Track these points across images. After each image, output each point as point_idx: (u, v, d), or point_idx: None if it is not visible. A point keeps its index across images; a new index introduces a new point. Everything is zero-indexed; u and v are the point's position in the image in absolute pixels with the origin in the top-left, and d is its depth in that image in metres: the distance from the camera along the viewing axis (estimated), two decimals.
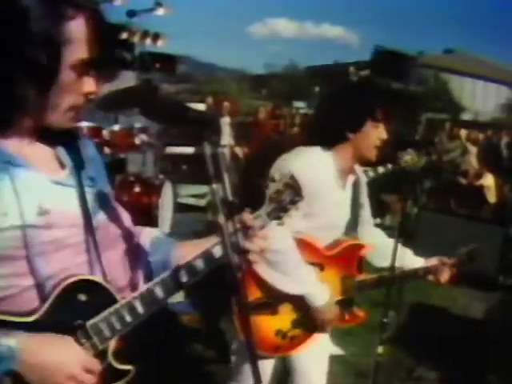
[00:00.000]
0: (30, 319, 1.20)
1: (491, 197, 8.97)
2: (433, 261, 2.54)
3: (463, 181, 9.46)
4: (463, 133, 10.70)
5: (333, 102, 2.39)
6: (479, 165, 9.63)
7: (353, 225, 2.46)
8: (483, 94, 41.61)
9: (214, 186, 1.16)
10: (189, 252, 1.44)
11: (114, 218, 1.45)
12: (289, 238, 2.17)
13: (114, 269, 1.44)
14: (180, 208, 7.04)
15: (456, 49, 42.89)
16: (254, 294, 2.22)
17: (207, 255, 1.39)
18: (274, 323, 2.25)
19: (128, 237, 1.52)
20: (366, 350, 3.69)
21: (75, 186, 1.32)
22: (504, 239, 6.12)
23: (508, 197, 8.87)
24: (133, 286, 1.47)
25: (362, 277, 2.39)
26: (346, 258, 2.35)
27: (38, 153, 1.27)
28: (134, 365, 1.35)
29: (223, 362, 2.58)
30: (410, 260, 2.51)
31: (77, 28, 1.16)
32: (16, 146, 1.21)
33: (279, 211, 1.51)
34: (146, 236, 1.54)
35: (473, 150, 10.09)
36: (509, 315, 5.09)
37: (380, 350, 2.36)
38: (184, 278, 1.37)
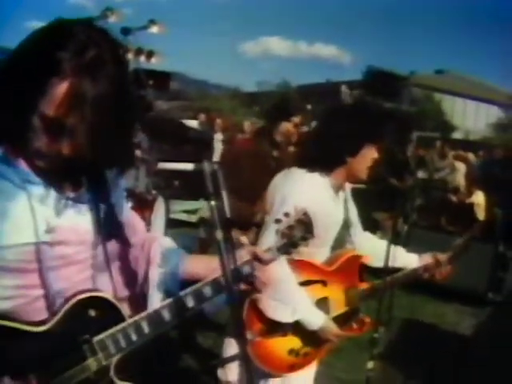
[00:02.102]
0: (40, 329, 1.23)
1: (481, 214, 9.02)
2: (427, 257, 2.57)
3: (454, 198, 9.52)
4: (453, 151, 10.80)
5: (331, 127, 2.39)
6: (467, 182, 9.70)
7: (347, 236, 2.50)
8: (474, 113, 41.99)
9: (212, 203, 1.18)
10: (197, 266, 1.51)
11: (126, 233, 1.47)
12: (286, 266, 2.18)
13: (121, 279, 1.47)
14: (171, 223, 7.05)
15: (447, 69, 43.37)
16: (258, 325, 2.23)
17: (216, 283, 1.42)
18: (286, 344, 2.27)
19: (137, 250, 1.54)
20: (355, 366, 3.70)
21: (89, 202, 1.34)
22: (494, 256, 6.18)
23: (498, 214, 8.92)
24: (139, 297, 1.50)
25: (364, 285, 2.42)
26: (346, 270, 2.39)
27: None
28: (134, 381, 1.37)
29: (211, 374, 2.58)
30: (405, 258, 2.54)
31: (57, 88, 1.15)
32: (34, 164, 1.23)
33: (289, 247, 1.54)
34: (158, 246, 1.57)
35: (461, 168, 10.18)
36: (498, 331, 5.10)
37: (370, 365, 2.35)
38: (191, 303, 1.40)
